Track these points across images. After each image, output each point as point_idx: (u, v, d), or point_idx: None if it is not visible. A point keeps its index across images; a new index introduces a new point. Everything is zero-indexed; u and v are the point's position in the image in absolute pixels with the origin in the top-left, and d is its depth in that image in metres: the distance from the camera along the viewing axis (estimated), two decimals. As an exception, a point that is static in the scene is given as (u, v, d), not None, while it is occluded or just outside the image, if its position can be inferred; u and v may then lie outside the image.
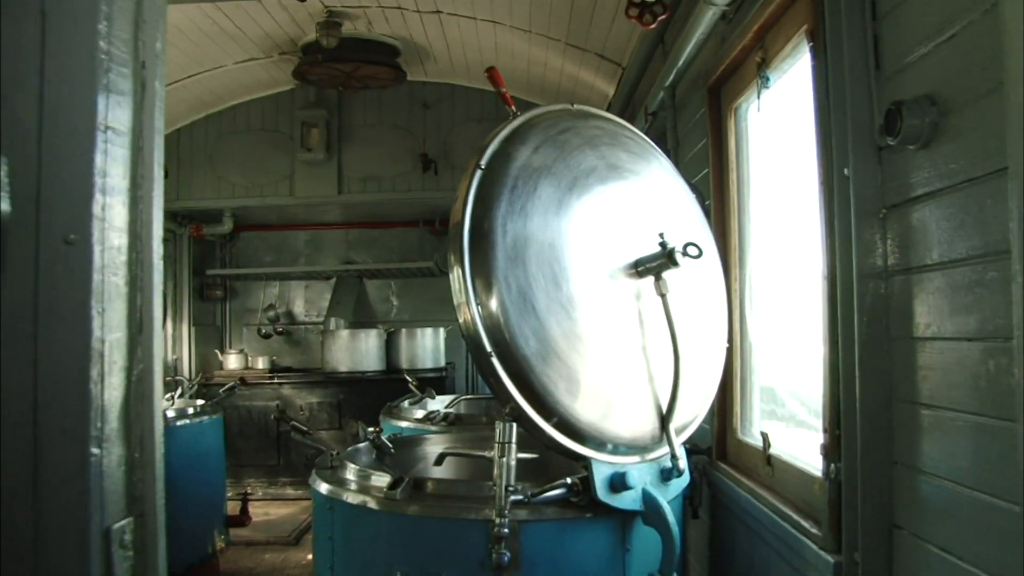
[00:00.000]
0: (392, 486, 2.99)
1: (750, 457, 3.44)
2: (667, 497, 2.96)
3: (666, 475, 3.00)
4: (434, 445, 4.19)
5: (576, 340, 2.80)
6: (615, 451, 2.88)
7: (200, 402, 6.30)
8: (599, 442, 2.84)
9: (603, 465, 2.83)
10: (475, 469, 3.68)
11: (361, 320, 10.55)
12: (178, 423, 5.80)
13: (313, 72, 7.74)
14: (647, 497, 2.87)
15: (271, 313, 10.76)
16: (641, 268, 2.99)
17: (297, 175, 9.16)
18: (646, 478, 2.92)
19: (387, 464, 3.00)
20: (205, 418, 6.03)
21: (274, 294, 11.01)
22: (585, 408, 2.80)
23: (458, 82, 8.97)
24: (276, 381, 9.60)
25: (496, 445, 2.73)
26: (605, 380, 2.87)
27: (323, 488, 3.26)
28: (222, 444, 6.30)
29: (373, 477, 3.14)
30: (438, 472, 3.45)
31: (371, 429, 4.16)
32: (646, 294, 3.03)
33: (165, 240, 8.31)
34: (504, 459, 2.70)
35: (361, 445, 3.83)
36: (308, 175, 9.13)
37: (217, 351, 10.13)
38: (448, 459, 3.34)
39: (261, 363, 10.00)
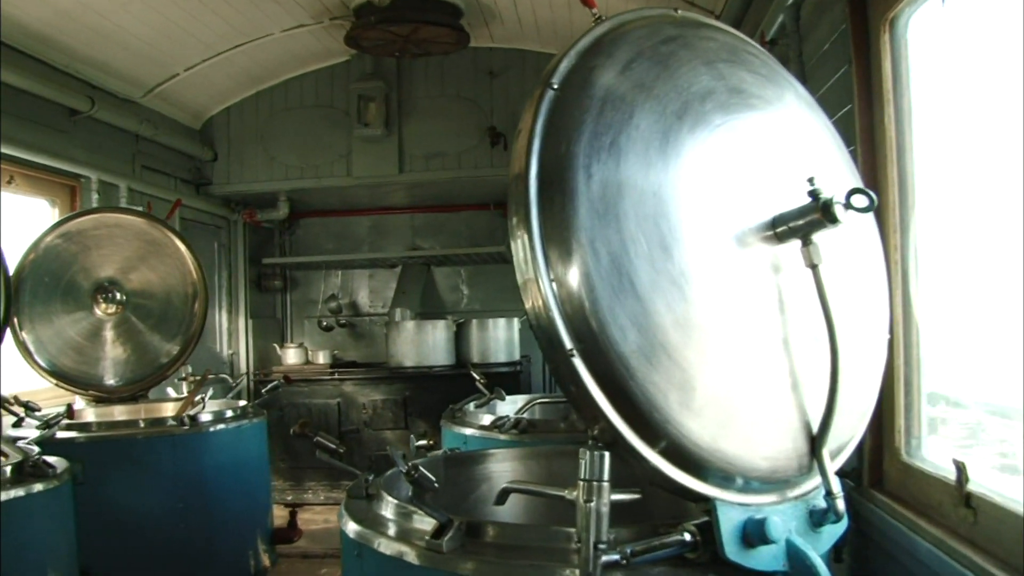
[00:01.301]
0: (438, 532, 2.19)
1: (927, 490, 2.54)
2: (820, 550, 2.10)
3: (817, 519, 2.14)
4: (500, 463, 3.38)
5: (693, 331, 1.96)
6: (747, 487, 2.04)
7: (242, 403, 5.60)
8: (725, 475, 2.00)
9: (732, 508, 1.99)
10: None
11: (429, 311, 9.82)
12: (214, 428, 5.10)
13: (367, 37, 6.99)
14: (794, 552, 2.02)
15: (333, 304, 10.11)
16: (782, 228, 2.13)
17: (354, 153, 8.42)
18: (790, 524, 2.07)
19: (428, 501, 2.21)
20: (245, 422, 5.32)
21: (336, 284, 10.36)
22: (706, 428, 1.96)
23: (528, 47, 8.12)
24: (337, 377, 8.92)
25: (580, 484, 1.90)
26: (733, 388, 2.03)
27: (350, 528, 2.48)
28: (266, 450, 5.60)
29: (415, 517, 2.34)
30: (501, 512, 2.65)
31: (421, 443, 3.39)
32: (787, 265, 2.17)
33: (218, 227, 7.82)
34: (593, 504, 1.88)
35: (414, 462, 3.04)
36: (366, 153, 8.39)
37: (276, 345, 9.49)
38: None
39: (322, 358, 9.32)
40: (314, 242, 10.24)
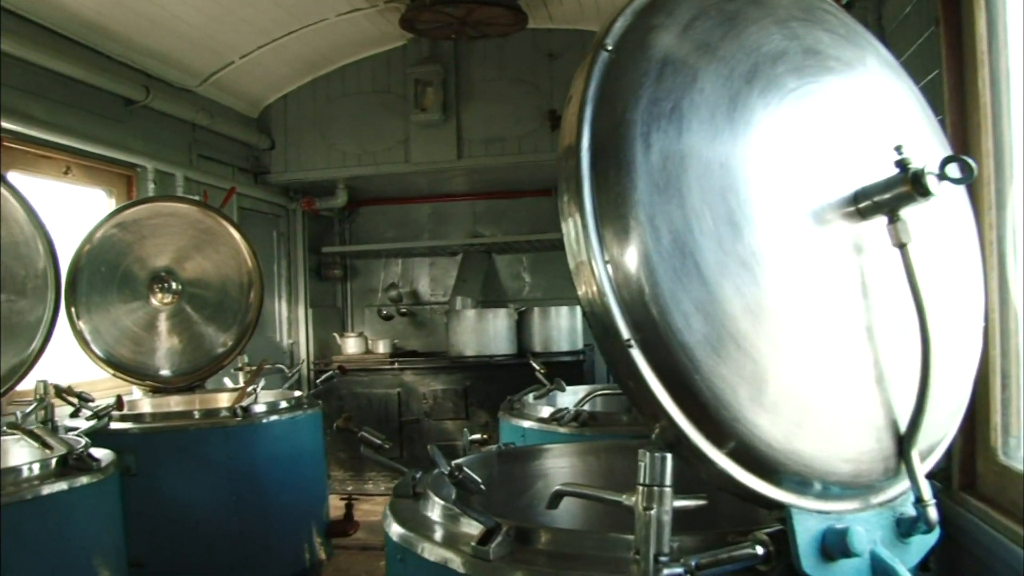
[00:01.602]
0: (485, 537, 2.02)
1: (1030, 495, 2.29)
2: (908, 563, 1.88)
3: (905, 529, 1.92)
4: (557, 459, 3.19)
5: (765, 318, 1.75)
6: (826, 493, 1.83)
7: (297, 393, 5.50)
8: (801, 479, 1.79)
9: (809, 516, 1.78)
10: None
11: (490, 299, 9.64)
12: (267, 419, 5.01)
13: (422, 19, 6.82)
14: (879, 566, 1.80)
15: (393, 293, 10.00)
16: (866, 204, 1.91)
17: (412, 139, 8.29)
18: (875, 535, 1.85)
19: (473, 504, 2.04)
20: (300, 412, 5.22)
21: (396, 272, 10.26)
22: (780, 427, 1.75)
23: (588, 27, 7.88)
24: (397, 367, 8.82)
25: (639, 489, 1.71)
26: (810, 382, 1.82)
27: (394, 531, 2.32)
28: (321, 441, 5.49)
29: (463, 520, 2.17)
30: (556, 515, 2.46)
31: (474, 437, 3.22)
32: (871, 245, 1.95)
33: (277, 216, 7.76)
34: (653, 512, 1.68)
35: (455, 463, 2.87)
36: (424, 139, 8.25)
37: (336, 335, 9.42)
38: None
39: (382, 347, 9.22)
40: (374, 230, 10.14)
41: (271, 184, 8.68)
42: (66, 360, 5.72)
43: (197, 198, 6.34)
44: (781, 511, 1.77)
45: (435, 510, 2.35)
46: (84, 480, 3.21)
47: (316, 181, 8.82)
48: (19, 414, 4.05)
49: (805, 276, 1.85)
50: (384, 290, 10.13)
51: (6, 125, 5.17)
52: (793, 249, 1.83)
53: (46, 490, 3.05)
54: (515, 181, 9.20)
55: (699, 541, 1.86)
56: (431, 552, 2.11)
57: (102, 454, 3.50)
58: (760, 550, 1.75)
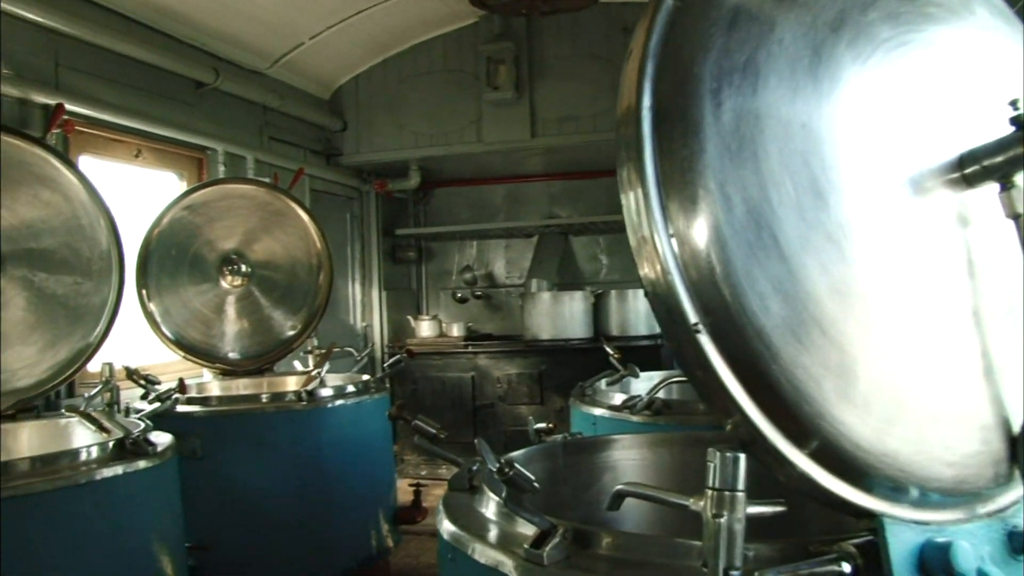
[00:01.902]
0: (540, 540, 1.84)
1: None
2: (1022, 582, 1.65)
3: (1018, 544, 1.67)
4: (626, 451, 2.99)
5: (854, 300, 1.54)
6: (924, 501, 1.60)
7: (364, 377, 5.40)
8: (895, 485, 1.57)
9: (905, 528, 1.56)
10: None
11: (566, 281, 9.47)
12: (333, 404, 4.91)
13: (493, -6, 6.65)
14: (988, 584, 1.57)
15: (468, 275, 9.89)
16: (973, 169, 1.67)
17: (485, 119, 8.12)
18: (983, 550, 1.61)
19: (526, 503, 1.86)
20: (367, 397, 5.11)
21: (471, 255, 10.13)
22: (871, 425, 1.53)
23: (666, -1, 7.58)
24: (471, 350, 8.70)
25: (708, 493, 1.51)
26: (907, 374, 1.59)
27: (445, 529, 2.16)
28: (389, 426, 5.38)
29: (519, 521, 1.99)
30: (620, 514, 2.26)
31: (540, 426, 3.03)
32: (978, 217, 1.71)
33: (350, 198, 7.69)
34: (724, 520, 1.48)
35: (517, 454, 2.70)
36: (497, 118, 8.07)
37: (410, 318, 9.35)
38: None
39: (456, 330, 9.11)
40: (449, 212, 10.03)
41: (343, 166, 8.62)
42: (141, 343, 5.74)
43: (267, 180, 6.27)
44: (871, 520, 1.55)
45: (490, 507, 2.19)
46: (141, 464, 3.14)
47: (388, 162, 8.72)
48: (85, 396, 4.03)
49: (901, 252, 1.62)
50: (459, 272, 10.03)
51: (78, 109, 5.18)
52: (887, 221, 1.60)
53: (102, 474, 2.99)
54: (591, 160, 8.94)
55: (776, 551, 1.65)
56: (482, 554, 1.94)
57: (160, 438, 3.44)
58: (847, 567, 1.53)
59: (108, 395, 4.10)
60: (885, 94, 1.68)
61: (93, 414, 3.39)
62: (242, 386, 5.84)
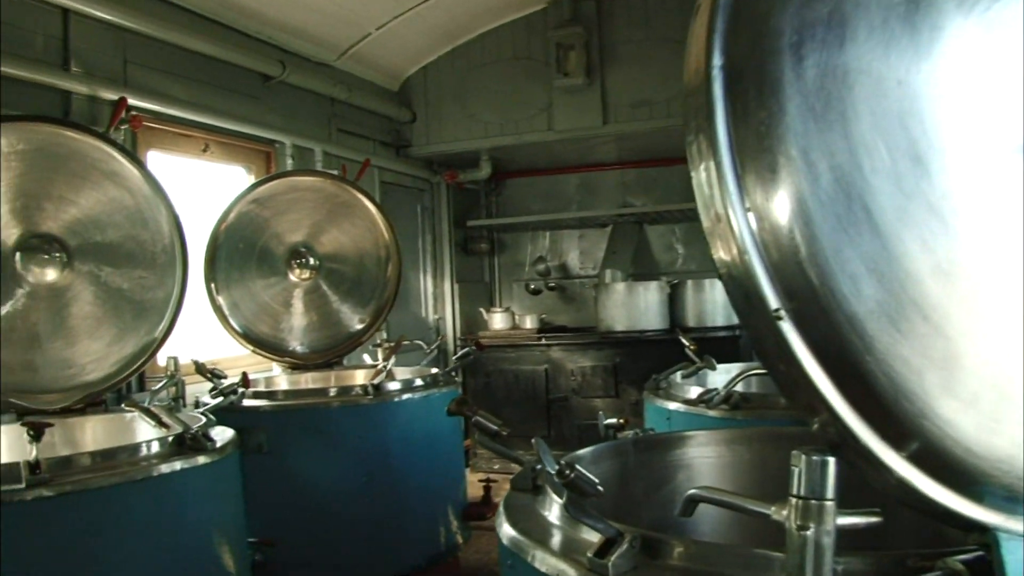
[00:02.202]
0: (604, 548, 1.68)
1: None
2: None
3: None
4: (701, 448, 2.81)
5: (961, 282, 1.34)
6: (1047, 512, 1.39)
7: (434, 371, 5.29)
8: (1010, 494, 1.37)
9: (1021, 543, 1.36)
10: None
11: (641, 272, 9.25)
12: (400, 397, 4.81)
13: (563, -21, 6.47)
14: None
15: (541, 267, 9.75)
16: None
17: (555, 106, 7.94)
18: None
19: (588, 509, 1.70)
20: (435, 390, 5.00)
21: (544, 245, 9.99)
22: (982, 425, 1.34)
23: (742, -23, 7.30)
24: (544, 342, 8.55)
25: (792, 502, 1.34)
26: (1020, 366, 1.38)
27: (505, 532, 2.02)
28: (459, 420, 5.25)
29: (584, 527, 1.83)
30: (693, 519, 2.09)
31: (610, 421, 2.87)
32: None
33: (420, 190, 7.61)
34: (810, 533, 1.30)
35: (584, 452, 2.54)
36: (568, 105, 7.89)
37: (483, 310, 9.24)
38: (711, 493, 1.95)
39: (529, 322, 8.97)
40: (521, 202, 9.90)
41: (413, 157, 8.55)
42: (213, 337, 5.74)
43: (335, 172, 6.20)
44: (983, 535, 1.36)
45: (553, 510, 2.03)
46: (200, 460, 3.07)
47: (458, 153, 8.61)
48: (151, 391, 4.01)
49: (1013, 226, 1.41)
50: (532, 264, 9.91)
51: (146, 105, 5.19)
52: (999, 191, 1.39)
53: (159, 470, 2.93)
54: (665, 147, 8.71)
55: (870, 565, 1.47)
56: (542, 562, 1.80)
57: (221, 433, 3.37)
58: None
59: (173, 389, 4.07)
60: (994, 48, 1.47)
61: (152, 409, 3.34)
62: (310, 380, 5.79)
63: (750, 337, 1.40)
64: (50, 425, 2.81)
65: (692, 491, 1.65)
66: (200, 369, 4.57)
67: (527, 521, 2.03)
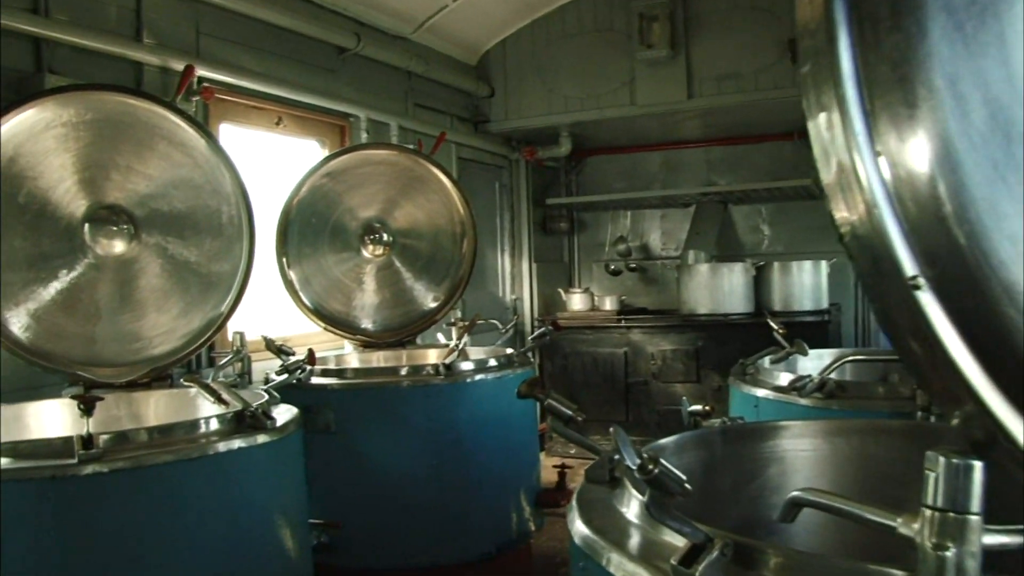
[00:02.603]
0: (691, 555, 1.46)
1: None
2: None
3: None
4: (795, 440, 2.54)
5: None
6: None
7: (508, 351, 5.10)
8: None
9: None
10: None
11: (725, 253, 8.96)
12: (472, 378, 4.63)
13: (647, -57, 6.17)
14: None
15: (621, 247, 9.49)
16: None
17: (638, 80, 7.63)
18: None
19: (673, 511, 1.48)
20: (509, 372, 4.80)
21: (625, 225, 9.72)
22: None
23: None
24: (624, 324, 8.30)
25: (927, 514, 1.09)
26: None
27: (577, 530, 1.81)
28: (534, 402, 5.05)
29: (666, 530, 1.61)
30: (788, 530, 1.84)
31: (695, 408, 2.63)
32: None
33: (499, 167, 7.43)
34: (950, 555, 1.06)
35: (667, 441, 2.31)
36: (651, 78, 7.57)
37: (561, 290, 9.03)
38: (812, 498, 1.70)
39: (609, 303, 8.74)
40: (602, 181, 9.63)
41: (492, 133, 8.34)
42: (286, 313, 5.66)
43: (411, 147, 6.03)
44: None
45: (632, 506, 1.82)
46: (259, 439, 2.94)
47: (538, 128, 8.38)
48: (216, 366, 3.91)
49: None
50: (612, 244, 9.66)
51: (218, 77, 5.10)
52: None
53: (215, 448, 2.80)
54: (752, 123, 8.40)
55: (1020, 590, 1.21)
56: (619, 566, 1.59)
57: (283, 412, 3.24)
58: None
59: (239, 365, 3.96)
60: None
61: (212, 385, 3.22)
62: (381, 359, 5.66)
63: (877, 311, 1.16)
64: (100, 399, 2.70)
65: (796, 493, 1.41)
66: (269, 345, 4.47)
67: (603, 518, 1.82)
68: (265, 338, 4.53)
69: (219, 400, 3.12)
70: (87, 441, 2.54)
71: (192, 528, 2.75)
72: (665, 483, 1.44)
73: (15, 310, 3.67)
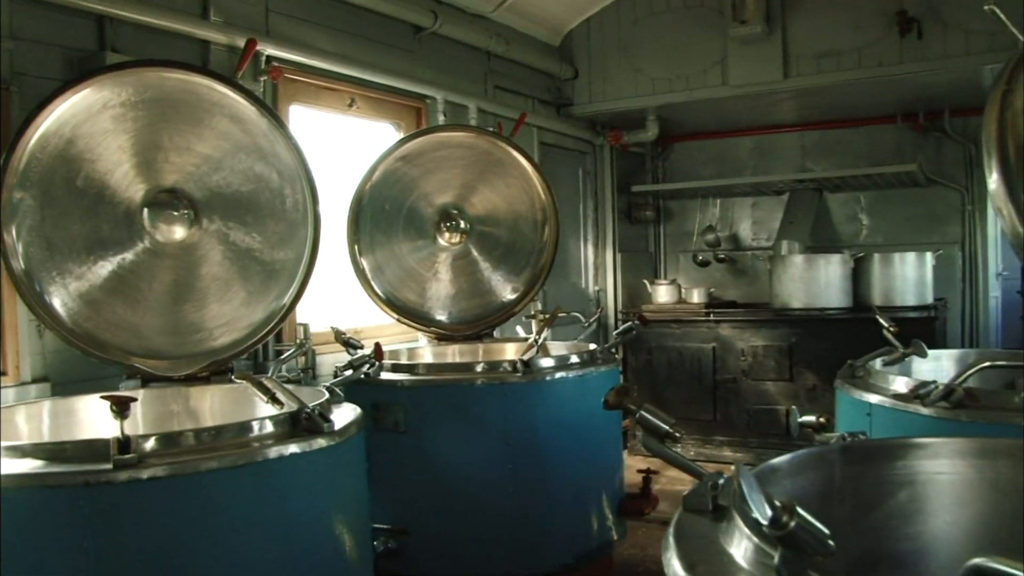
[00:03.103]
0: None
1: None
2: None
3: None
4: (928, 461, 2.15)
5: None
6: None
7: (591, 347, 4.78)
8: None
9: None
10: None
11: (821, 243, 8.50)
12: (552, 376, 4.32)
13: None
14: None
15: (710, 236, 9.09)
16: None
17: (730, 58, 7.18)
18: None
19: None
20: (592, 369, 4.48)
21: (714, 214, 9.31)
22: None
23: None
24: (712, 318, 7.90)
25: None
26: None
27: (675, 565, 1.49)
28: (619, 402, 4.72)
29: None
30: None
31: (807, 419, 2.28)
32: None
33: (582, 153, 7.10)
34: None
35: (780, 462, 1.96)
36: (744, 57, 7.11)
37: (647, 282, 8.65)
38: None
39: (696, 296, 8.32)
40: (689, 167, 9.28)
41: (575, 117, 8.03)
42: (359, 304, 5.45)
43: (491, 129, 5.74)
44: None
45: (741, 546, 1.48)
46: (316, 444, 2.66)
47: (624, 112, 8.02)
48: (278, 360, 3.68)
49: None
50: (700, 233, 9.28)
51: (288, 56, 4.91)
52: None
53: (265, 454, 2.53)
54: (852, 105, 7.94)
55: None
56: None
57: (343, 413, 2.98)
58: None
59: (303, 359, 3.72)
60: None
61: (265, 382, 2.96)
62: (456, 353, 5.39)
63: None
64: (134, 399, 2.46)
65: (977, 561, 1.06)
66: (337, 337, 4.25)
67: (706, 561, 1.50)
68: (334, 329, 4.32)
69: (273, 400, 2.86)
70: (123, 444, 2.30)
71: (238, 541, 2.50)
72: (804, 542, 1.11)
73: (70, 298, 3.50)
